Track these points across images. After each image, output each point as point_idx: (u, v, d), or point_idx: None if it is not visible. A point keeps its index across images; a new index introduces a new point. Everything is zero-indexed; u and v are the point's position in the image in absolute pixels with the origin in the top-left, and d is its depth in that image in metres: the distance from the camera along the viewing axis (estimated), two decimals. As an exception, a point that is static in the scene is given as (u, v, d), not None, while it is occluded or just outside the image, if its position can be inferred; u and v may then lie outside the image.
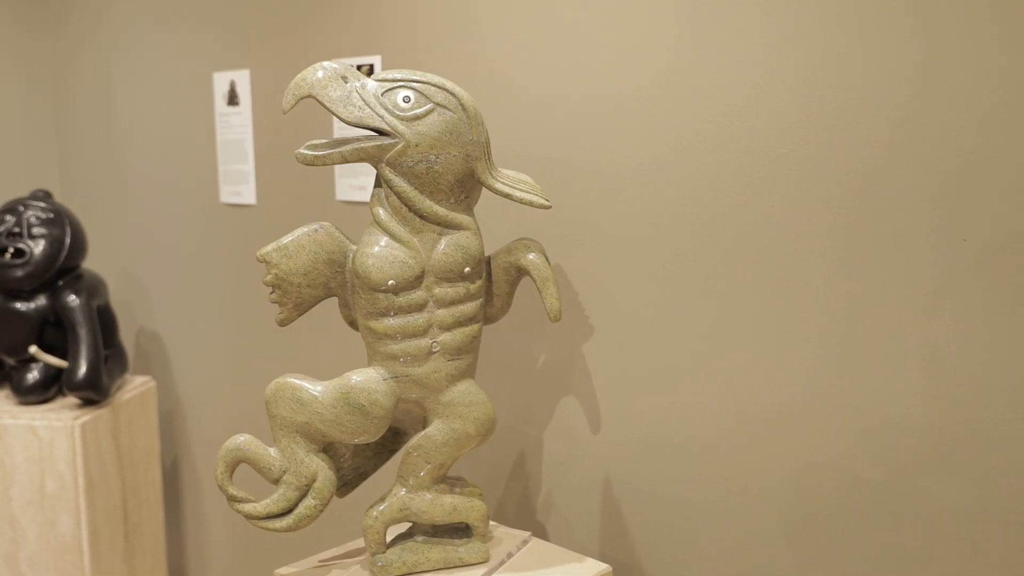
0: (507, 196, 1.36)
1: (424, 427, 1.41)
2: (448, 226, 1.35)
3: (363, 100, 1.30)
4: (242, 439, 1.37)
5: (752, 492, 1.45)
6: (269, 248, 1.35)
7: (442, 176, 1.32)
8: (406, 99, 1.30)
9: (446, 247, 1.34)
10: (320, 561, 1.49)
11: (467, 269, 1.36)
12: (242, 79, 2.24)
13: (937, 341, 1.26)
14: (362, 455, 1.49)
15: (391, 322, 1.34)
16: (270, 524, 1.40)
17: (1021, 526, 1.22)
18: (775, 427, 1.41)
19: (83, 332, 2.24)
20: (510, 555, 1.48)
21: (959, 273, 1.23)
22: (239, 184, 2.30)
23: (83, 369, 2.21)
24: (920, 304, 1.26)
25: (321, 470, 1.37)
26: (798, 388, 1.38)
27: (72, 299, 2.26)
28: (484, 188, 1.39)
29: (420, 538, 1.46)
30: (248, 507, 1.39)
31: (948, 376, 1.25)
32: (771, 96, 1.36)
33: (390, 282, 1.32)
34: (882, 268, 1.28)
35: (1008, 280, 1.19)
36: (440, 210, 1.34)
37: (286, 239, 1.35)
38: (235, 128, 2.29)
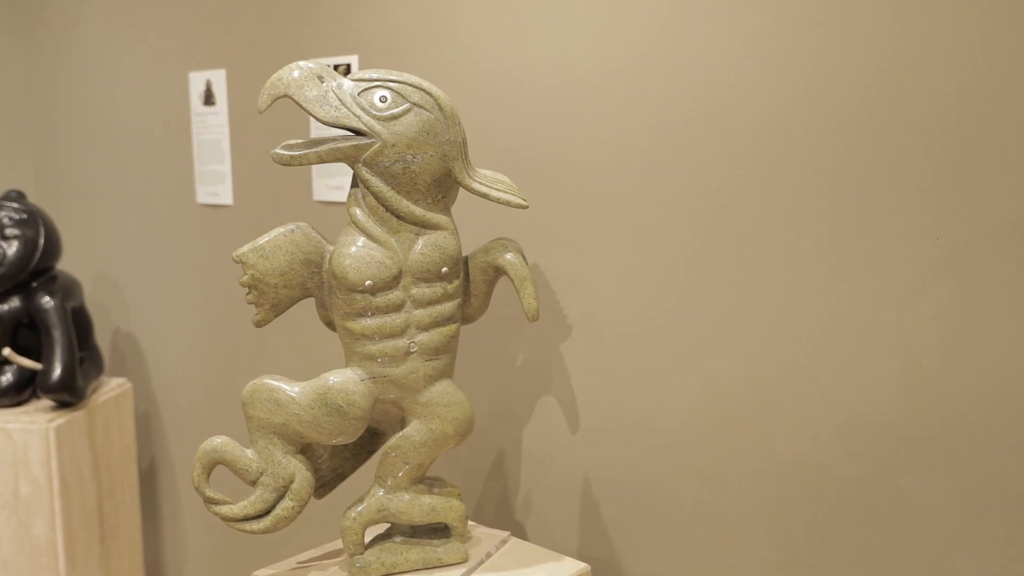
0: (484, 196, 1.36)
1: (402, 427, 1.41)
2: (425, 226, 1.35)
3: (339, 100, 1.30)
4: (219, 441, 1.36)
5: (731, 489, 1.46)
6: (245, 249, 1.35)
7: (419, 176, 1.32)
8: (383, 99, 1.30)
9: (423, 247, 1.34)
10: (298, 563, 1.48)
11: (444, 269, 1.36)
12: (218, 79, 2.23)
13: (911, 339, 1.27)
14: (340, 456, 1.49)
15: (368, 322, 1.34)
16: (247, 526, 1.39)
17: (993, 521, 1.23)
18: (754, 424, 1.42)
19: (57, 334, 2.22)
20: (489, 555, 1.48)
21: (932, 272, 1.24)
22: (216, 184, 2.28)
23: (58, 371, 2.19)
24: (894, 302, 1.28)
25: (299, 471, 1.37)
26: (776, 386, 1.39)
27: (46, 301, 2.24)
28: (461, 188, 1.39)
29: (399, 539, 1.46)
30: (225, 509, 1.39)
31: (922, 374, 1.27)
32: (745, 97, 1.37)
33: (367, 282, 1.32)
34: (857, 267, 1.30)
35: (980, 278, 1.21)
36: (417, 210, 1.34)
37: (262, 239, 1.35)
38: (212, 128, 2.27)
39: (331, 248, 1.36)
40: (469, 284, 1.44)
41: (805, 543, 1.39)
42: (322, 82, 1.29)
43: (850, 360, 1.32)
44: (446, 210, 1.38)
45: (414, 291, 1.35)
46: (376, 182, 1.32)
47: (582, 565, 1.46)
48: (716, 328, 1.44)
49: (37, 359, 2.26)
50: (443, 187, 1.36)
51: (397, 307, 1.34)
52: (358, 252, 1.33)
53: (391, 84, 1.31)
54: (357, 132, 1.30)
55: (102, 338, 2.73)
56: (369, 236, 1.34)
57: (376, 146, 1.30)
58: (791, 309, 1.37)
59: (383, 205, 1.33)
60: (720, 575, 1.49)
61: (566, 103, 1.57)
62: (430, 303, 1.36)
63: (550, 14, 1.57)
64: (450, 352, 1.40)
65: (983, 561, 1.25)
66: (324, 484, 1.48)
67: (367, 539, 1.47)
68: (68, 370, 2.20)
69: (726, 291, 1.42)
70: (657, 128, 1.47)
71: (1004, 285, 1.20)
